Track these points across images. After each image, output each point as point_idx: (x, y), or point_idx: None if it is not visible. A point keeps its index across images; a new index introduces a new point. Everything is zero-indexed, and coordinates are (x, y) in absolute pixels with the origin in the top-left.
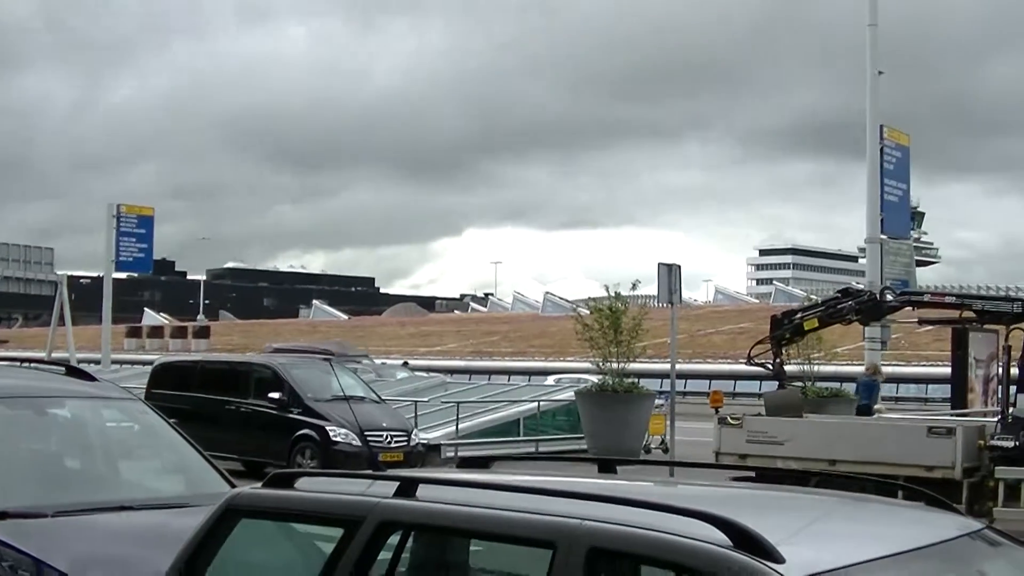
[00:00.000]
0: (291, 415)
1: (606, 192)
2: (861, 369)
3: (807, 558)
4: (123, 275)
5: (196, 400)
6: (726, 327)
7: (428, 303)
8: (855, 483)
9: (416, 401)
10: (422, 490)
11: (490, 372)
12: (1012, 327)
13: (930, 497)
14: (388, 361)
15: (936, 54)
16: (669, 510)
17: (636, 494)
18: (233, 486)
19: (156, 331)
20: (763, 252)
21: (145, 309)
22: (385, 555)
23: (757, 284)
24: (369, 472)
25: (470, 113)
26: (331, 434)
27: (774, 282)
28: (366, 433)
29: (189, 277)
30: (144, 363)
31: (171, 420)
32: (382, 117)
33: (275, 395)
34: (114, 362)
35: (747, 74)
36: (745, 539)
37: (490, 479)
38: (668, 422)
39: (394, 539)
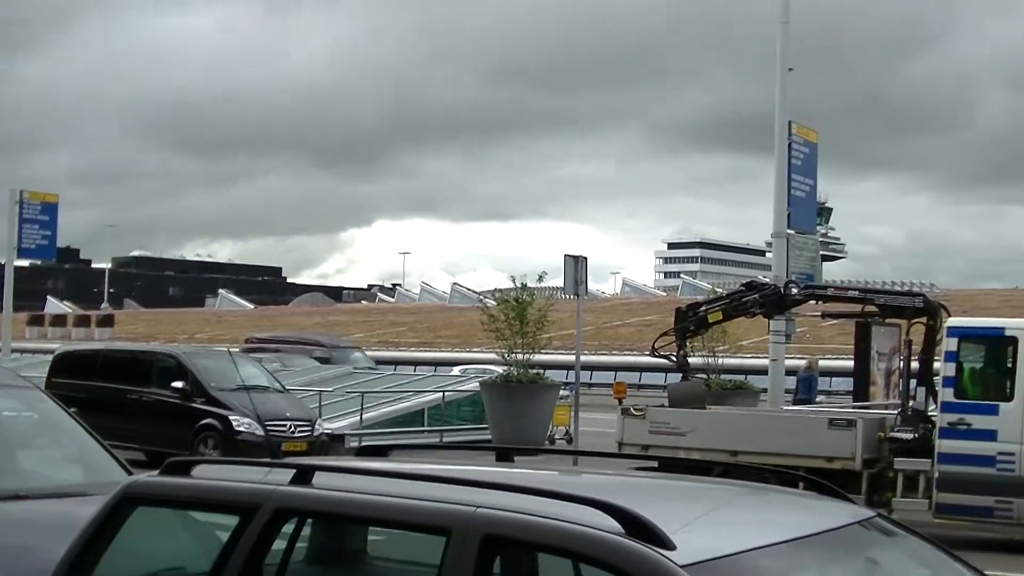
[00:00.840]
0: (194, 405)
1: (518, 184)
2: (766, 362)
3: (699, 545)
4: (26, 262)
5: (98, 389)
6: (633, 319)
7: (335, 293)
8: (756, 474)
9: (321, 391)
10: (319, 478)
11: (396, 362)
12: (913, 321)
13: (826, 487)
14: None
15: (848, 53)
16: (562, 498)
17: (531, 482)
18: (131, 475)
19: (59, 319)
20: (671, 245)
21: (48, 297)
22: (281, 543)
23: (665, 277)
24: (266, 460)
25: (383, 102)
26: (234, 424)
27: (682, 275)
28: (269, 423)
29: (94, 265)
30: (45, 352)
31: (71, 409)
32: (294, 105)
33: (178, 384)
34: (14, 351)
35: (661, 67)
36: (637, 526)
37: (387, 467)
38: (572, 413)
39: (291, 527)
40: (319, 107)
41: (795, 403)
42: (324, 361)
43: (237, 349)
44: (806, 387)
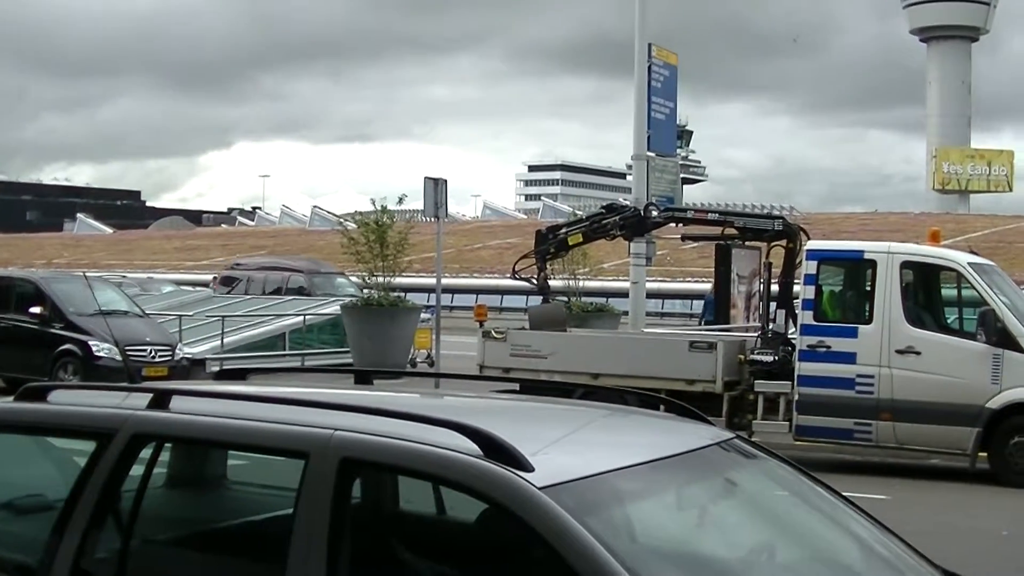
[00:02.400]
0: (52, 330)
1: (381, 106)
2: (627, 284)
3: (557, 466)
4: None
5: None
6: (494, 242)
7: (195, 217)
8: (617, 396)
9: (181, 315)
10: (176, 402)
11: None
12: (773, 244)
13: (686, 409)
14: (154, 276)
15: None
16: (420, 420)
17: (389, 405)
18: None
19: None
20: (532, 168)
21: None
22: (140, 469)
23: (526, 200)
24: (123, 384)
25: (245, 24)
26: (93, 349)
27: (542, 198)
28: (129, 348)
29: None
30: None
31: None
32: (153, 26)
33: (36, 310)
34: None
35: None
36: (494, 448)
37: (244, 390)
38: (433, 336)
39: (149, 453)
40: (179, 28)
41: (702, 325)
42: (302, 291)
43: (97, 274)
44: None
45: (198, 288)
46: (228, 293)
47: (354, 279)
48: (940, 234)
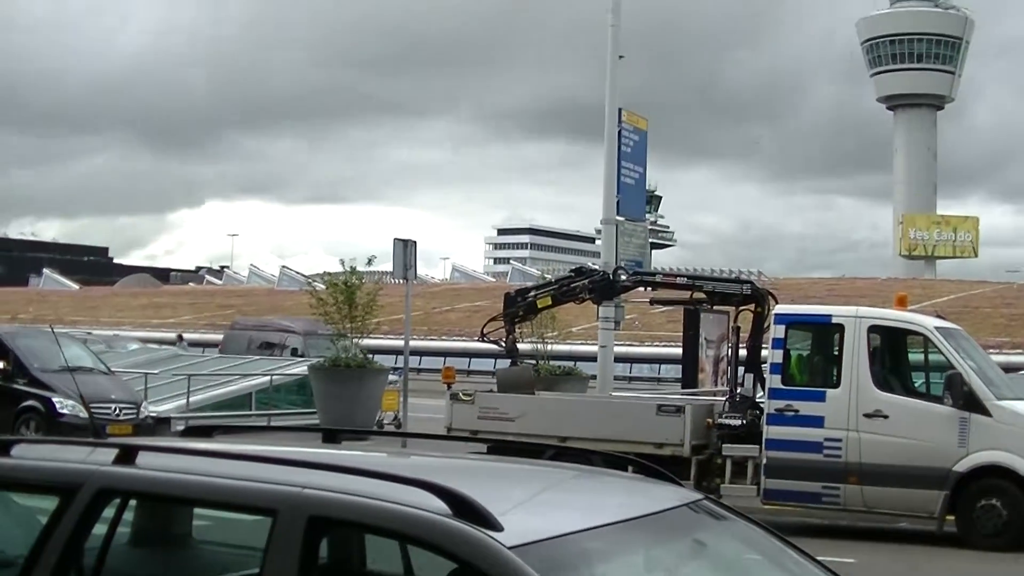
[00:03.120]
0: (16, 386)
1: (351, 168)
2: (595, 348)
3: (527, 526)
4: None
5: None
6: (462, 305)
7: (163, 275)
8: (587, 458)
9: (147, 373)
10: (143, 457)
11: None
12: (741, 308)
13: (655, 470)
14: (120, 333)
15: (680, 42)
16: (389, 478)
17: (358, 463)
18: None
19: None
20: (501, 231)
21: None
22: (103, 526)
23: (495, 263)
24: (89, 439)
25: (218, 82)
26: (57, 406)
27: (511, 261)
28: (94, 405)
29: None
30: None
31: None
32: (127, 82)
33: None
34: None
35: (495, 54)
36: (464, 507)
37: (212, 447)
38: (401, 398)
39: (113, 509)
40: (153, 84)
41: None
42: (295, 352)
43: (62, 330)
44: None
45: (164, 346)
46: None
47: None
48: (907, 299)
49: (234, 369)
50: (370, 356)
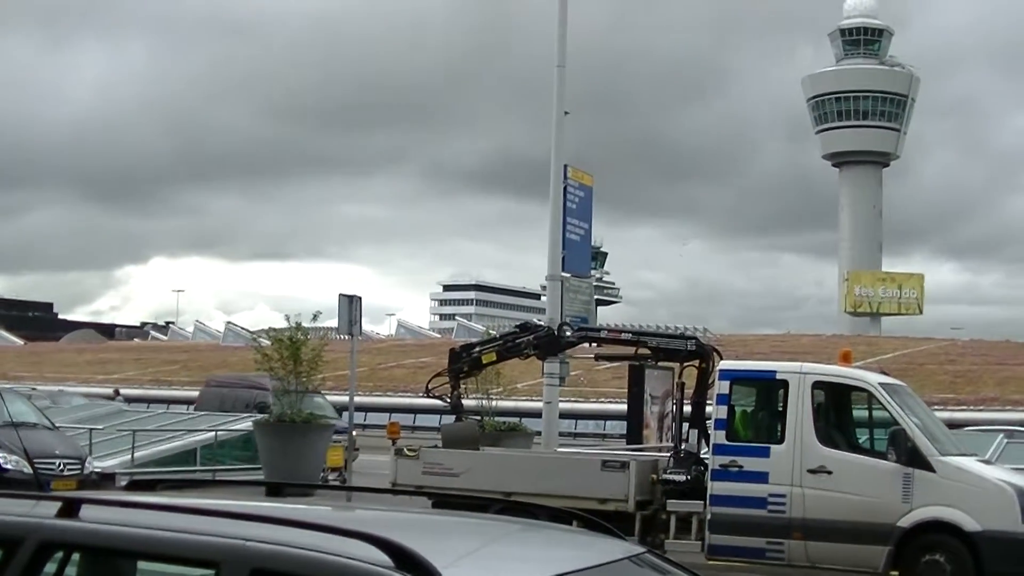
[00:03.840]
0: None
1: (297, 224)
2: (540, 404)
3: None
4: None
5: None
6: (407, 361)
7: (108, 330)
8: (532, 513)
9: (91, 429)
10: (85, 511)
11: (169, 401)
12: (686, 364)
13: (599, 524)
14: (65, 388)
15: (627, 98)
16: (332, 531)
17: (301, 516)
18: None
19: None
20: (447, 287)
21: None
22: None
23: (441, 319)
24: (32, 492)
25: (164, 139)
26: (1, 461)
27: (457, 317)
28: (38, 460)
29: None
30: None
31: None
32: (73, 137)
33: None
34: None
35: (442, 110)
36: (406, 560)
37: (155, 500)
38: (346, 454)
39: (56, 564)
40: (98, 142)
41: None
42: (262, 407)
43: (6, 385)
44: None
45: (109, 401)
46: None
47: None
48: (851, 355)
49: (179, 425)
50: (315, 412)
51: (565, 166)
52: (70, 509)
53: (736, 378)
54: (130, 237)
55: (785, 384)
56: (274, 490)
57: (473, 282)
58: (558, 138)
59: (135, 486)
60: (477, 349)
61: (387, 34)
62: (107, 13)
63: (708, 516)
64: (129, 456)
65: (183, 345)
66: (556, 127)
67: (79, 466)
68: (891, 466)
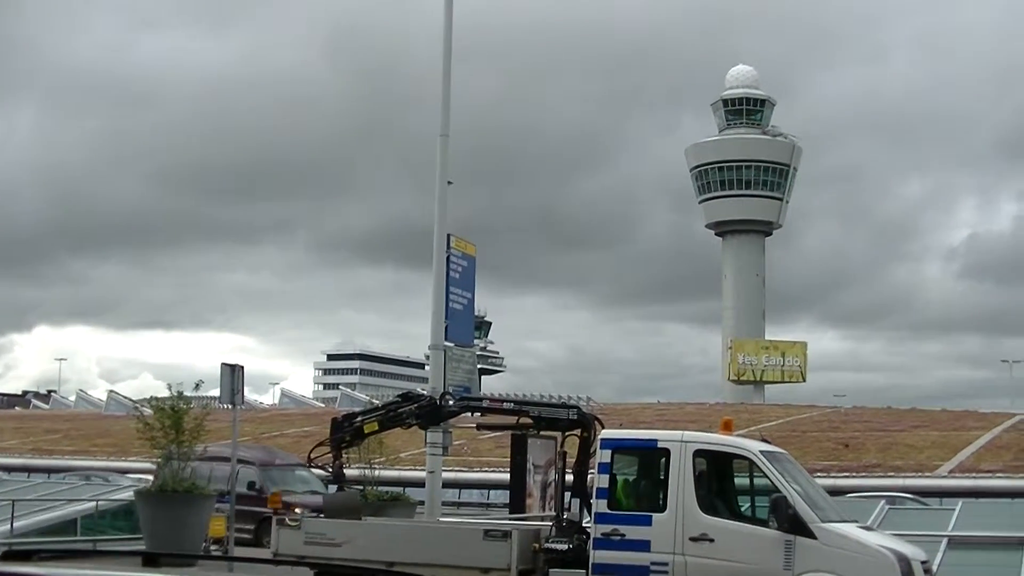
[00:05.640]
0: None
1: (182, 293)
2: (423, 474)
3: None
4: None
5: None
6: (291, 430)
7: None
8: None
9: None
10: None
11: (50, 471)
12: (568, 433)
13: None
14: None
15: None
16: None
17: None
18: None
19: None
20: (331, 357)
21: None
22: None
23: (324, 388)
24: None
25: (50, 207)
26: None
27: (340, 387)
28: None
29: None
30: None
31: None
32: None
33: None
34: None
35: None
36: None
37: (31, 571)
38: (228, 524)
39: None
40: None
41: None
42: (252, 486)
43: None
44: None
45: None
46: None
47: (316, 472)
48: (732, 423)
49: (60, 494)
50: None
51: (448, 235)
52: None
53: (617, 447)
54: (14, 304)
55: (667, 452)
56: (151, 560)
57: (357, 351)
58: (441, 207)
59: (11, 556)
60: (359, 419)
61: (277, 104)
62: None
63: None
64: (8, 526)
65: (65, 414)
66: (439, 196)
67: None
68: (773, 533)
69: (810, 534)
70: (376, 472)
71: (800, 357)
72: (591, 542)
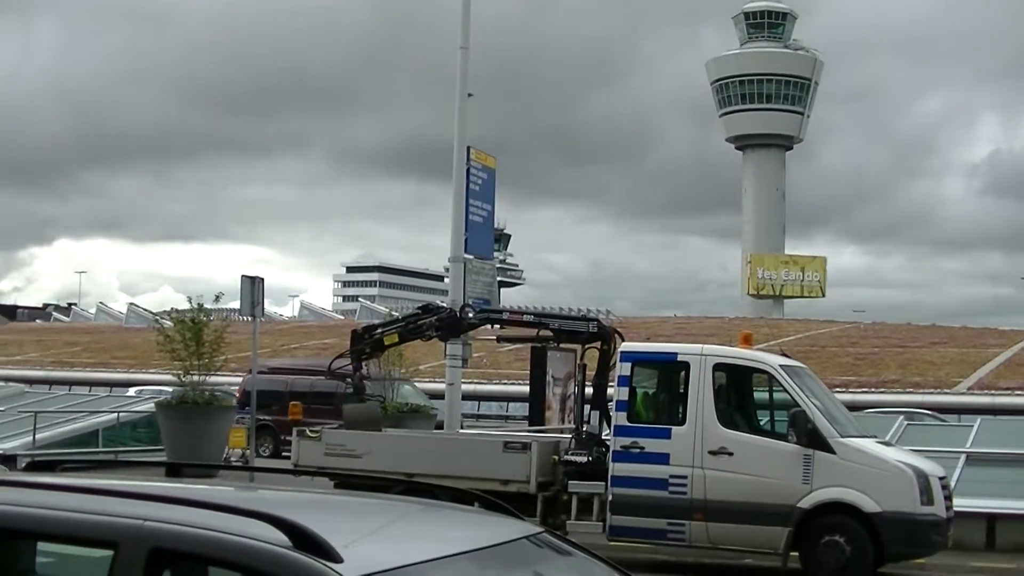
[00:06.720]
0: None
1: (202, 206)
2: (443, 386)
3: (367, 558)
4: None
5: None
6: (311, 342)
7: (9, 312)
8: (432, 494)
9: None
10: None
11: (71, 383)
12: (587, 346)
13: (499, 505)
14: None
15: (532, 82)
16: (231, 511)
17: (200, 496)
18: None
19: None
20: (350, 269)
21: None
22: None
23: (344, 301)
24: None
25: (70, 119)
26: None
27: (360, 299)
28: None
29: None
30: None
31: None
32: None
33: None
34: None
35: (350, 94)
36: (304, 539)
37: (54, 481)
38: (248, 435)
39: None
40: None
41: None
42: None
43: None
44: None
45: (10, 383)
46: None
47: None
48: (752, 337)
49: (81, 406)
50: (218, 393)
51: (468, 148)
52: None
53: (637, 360)
54: (34, 218)
55: (686, 366)
56: (174, 470)
57: (377, 264)
58: (461, 120)
59: (34, 467)
60: (379, 330)
61: (294, 18)
62: None
63: (609, 497)
64: (31, 438)
65: (85, 327)
66: (459, 109)
67: None
68: (791, 448)
69: (829, 449)
70: (395, 383)
71: (820, 272)
72: (610, 454)
